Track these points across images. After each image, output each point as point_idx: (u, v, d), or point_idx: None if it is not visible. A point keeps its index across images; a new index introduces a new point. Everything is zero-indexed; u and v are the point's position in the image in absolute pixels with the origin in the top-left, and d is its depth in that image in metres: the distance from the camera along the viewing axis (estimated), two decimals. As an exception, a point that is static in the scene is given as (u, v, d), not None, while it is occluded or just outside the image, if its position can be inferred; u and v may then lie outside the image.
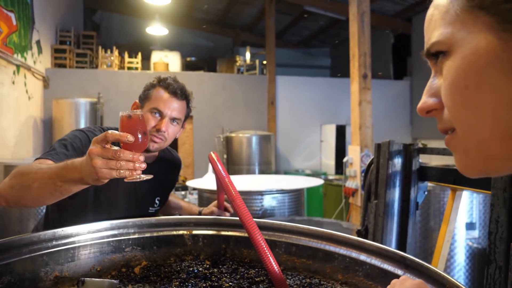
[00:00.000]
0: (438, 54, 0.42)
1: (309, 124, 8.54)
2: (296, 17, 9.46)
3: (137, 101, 1.45)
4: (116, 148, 0.85)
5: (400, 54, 9.23)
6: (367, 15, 4.51)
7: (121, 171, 0.86)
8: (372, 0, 7.45)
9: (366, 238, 1.22)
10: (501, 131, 0.38)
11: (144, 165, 0.90)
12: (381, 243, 1.11)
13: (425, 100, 0.45)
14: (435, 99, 0.44)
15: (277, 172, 7.71)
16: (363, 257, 0.96)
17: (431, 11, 0.44)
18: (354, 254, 0.98)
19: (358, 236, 1.36)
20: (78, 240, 1.05)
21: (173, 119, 1.39)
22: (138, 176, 0.89)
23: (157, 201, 1.53)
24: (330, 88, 8.63)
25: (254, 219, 0.99)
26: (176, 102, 1.39)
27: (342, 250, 1.01)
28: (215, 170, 0.94)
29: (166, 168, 1.56)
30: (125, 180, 0.90)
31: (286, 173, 8.07)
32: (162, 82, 1.40)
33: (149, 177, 0.94)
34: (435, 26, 0.42)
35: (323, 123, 8.54)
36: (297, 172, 7.89)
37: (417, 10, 7.97)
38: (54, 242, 1.01)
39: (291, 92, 8.42)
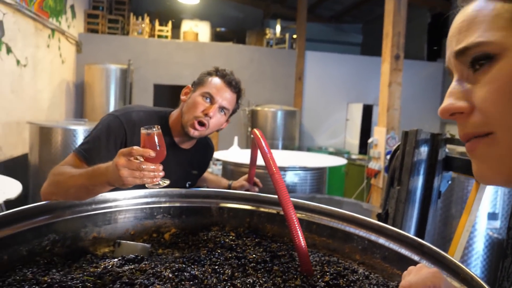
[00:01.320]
0: (481, 57, 0.43)
1: (336, 102, 8.45)
2: (330, -10, 9.20)
3: (190, 85, 1.48)
4: (139, 161, 0.98)
5: (436, 34, 8.89)
6: (405, -7, 4.36)
7: (144, 179, 0.98)
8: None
9: (386, 222, 1.26)
10: None
11: (162, 174, 1.01)
12: (401, 229, 1.14)
13: (453, 102, 0.45)
14: (465, 102, 0.44)
15: (300, 148, 7.73)
16: (381, 240, 1.00)
17: (472, 12, 0.45)
18: (373, 237, 1.02)
19: (378, 220, 1.39)
20: (115, 205, 1.13)
21: (221, 108, 1.42)
22: (157, 183, 1.02)
23: (187, 185, 1.57)
24: (360, 66, 8.46)
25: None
26: (228, 92, 1.42)
27: (362, 232, 1.05)
28: (259, 146, 0.98)
29: (200, 153, 1.60)
30: (146, 186, 1.02)
31: (309, 149, 8.09)
32: (219, 72, 1.44)
33: (167, 183, 1.04)
34: (481, 28, 0.43)
35: (350, 102, 8.43)
36: (320, 150, 7.89)
37: (458, -12, 7.60)
38: (93, 206, 1.10)
39: (320, 68, 8.30)
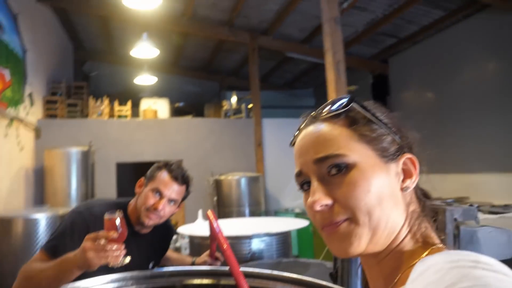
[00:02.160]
0: (338, 165, 0.60)
1: (296, 164, 8.75)
2: (279, 62, 9.94)
3: (143, 178, 1.65)
4: (103, 243, 1.13)
5: (380, 93, 9.67)
6: (342, 64, 4.86)
7: (108, 259, 1.13)
8: (348, 45, 7.96)
9: (337, 281, 1.40)
10: (391, 223, 0.59)
11: (123, 252, 1.16)
12: (348, 286, 1.29)
13: (321, 197, 0.59)
14: (329, 197, 0.59)
15: (267, 212, 7.83)
16: (327, 297, 1.14)
17: (325, 130, 0.62)
18: (320, 295, 1.16)
19: (331, 278, 1.53)
20: (84, 293, 1.21)
21: (170, 200, 1.58)
22: (120, 261, 1.17)
23: (150, 265, 1.69)
24: (315, 128, 8.93)
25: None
26: (176, 185, 1.58)
27: (311, 292, 1.19)
28: (211, 227, 1.13)
29: (160, 236, 1.74)
30: (109, 265, 1.16)
31: (276, 212, 8.20)
32: (168, 167, 1.60)
33: (128, 260, 1.19)
34: (335, 144, 0.60)
35: (310, 162, 8.77)
36: (286, 212, 8.02)
37: (392, 52, 8.47)
38: (64, 297, 1.17)
39: (278, 134, 8.70)
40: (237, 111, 9.07)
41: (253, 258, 3.23)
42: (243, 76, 10.88)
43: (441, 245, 0.59)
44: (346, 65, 4.93)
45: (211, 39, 8.84)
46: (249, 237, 3.25)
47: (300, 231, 7.00)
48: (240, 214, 6.99)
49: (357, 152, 0.60)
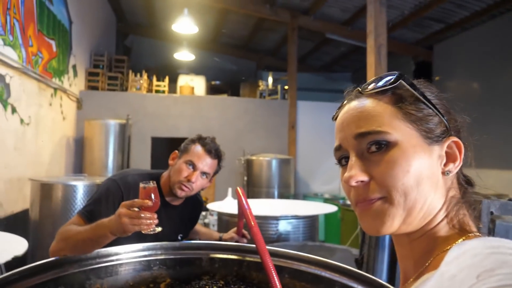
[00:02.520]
0: (378, 142, 0.58)
1: (329, 148, 8.50)
2: (318, 43, 9.73)
3: (177, 151, 1.68)
4: (138, 210, 1.18)
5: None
6: (384, 48, 4.69)
7: (141, 226, 1.18)
8: (392, 28, 7.66)
9: (361, 267, 1.39)
10: (428, 205, 0.58)
11: (156, 221, 1.20)
12: (373, 272, 1.28)
13: (357, 173, 0.59)
14: (365, 174, 0.59)
15: (296, 195, 7.84)
16: (351, 283, 1.13)
17: (368, 106, 0.61)
18: (344, 280, 1.15)
19: (356, 264, 1.52)
20: (116, 259, 1.27)
21: (203, 173, 1.62)
22: (152, 229, 1.21)
23: (179, 238, 1.74)
24: (350, 113, 8.76)
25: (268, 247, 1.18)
26: (209, 159, 1.61)
27: (335, 277, 1.19)
28: (240, 204, 1.14)
29: (190, 209, 1.78)
30: (143, 232, 1.21)
31: (305, 196, 8.19)
32: (201, 140, 1.64)
33: (159, 229, 1.23)
34: (378, 120, 0.59)
35: (343, 148, 8.65)
36: (315, 196, 8.00)
37: (438, 38, 8.09)
38: (97, 260, 1.23)
39: (312, 117, 8.61)
40: (273, 91, 9.02)
41: (279, 239, 3.26)
42: (281, 56, 10.75)
43: (478, 234, 0.57)
44: (388, 50, 4.77)
45: (251, 17, 8.76)
46: (276, 218, 3.27)
47: (328, 217, 6.97)
48: (269, 196, 7.04)
49: (400, 130, 0.58)
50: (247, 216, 1.10)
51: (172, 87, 9.07)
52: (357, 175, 0.58)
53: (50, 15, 5.64)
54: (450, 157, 0.59)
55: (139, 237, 1.59)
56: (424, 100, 0.59)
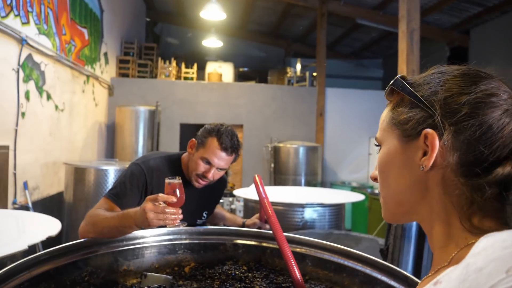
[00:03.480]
0: (376, 144, 0.67)
1: (357, 137, 8.54)
2: (348, 29, 9.51)
3: (194, 139, 1.69)
4: (163, 205, 1.19)
5: (456, 67, 8.96)
6: (417, 33, 4.53)
7: (166, 221, 1.19)
8: (426, 12, 7.38)
9: (386, 257, 1.37)
10: (397, 200, 0.62)
11: (181, 217, 1.22)
12: (398, 264, 1.26)
13: (374, 171, 0.67)
14: (375, 172, 0.67)
15: (323, 183, 7.79)
16: (375, 274, 1.12)
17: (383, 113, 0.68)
18: (367, 270, 1.14)
19: (381, 255, 1.50)
20: (142, 242, 1.30)
21: (219, 169, 1.64)
22: (177, 224, 1.22)
23: (204, 215, 1.78)
24: (380, 100, 8.55)
25: (287, 234, 1.19)
26: (225, 155, 1.61)
27: (359, 266, 1.17)
28: (258, 193, 1.14)
29: (213, 188, 1.80)
30: (167, 227, 1.23)
31: (332, 184, 8.13)
32: (218, 135, 1.61)
33: (185, 225, 1.24)
34: (379, 127, 0.66)
35: (372, 136, 8.49)
36: (343, 184, 7.92)
37: (475, 22, 7.73)
38: (124, 242, 1.27)
39: (340, 104, 8.48)
40: (301, 78, 8.92)
41: (305, 227, 3.26)
42: (310, 43, 10.59)
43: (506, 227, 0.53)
44: (421, 35, 4.60)
45: (280, 3, 8.64)
46: (302, 206, 3.27)
47: (355, 206, 6.90)
48: (296, 183, 7.03)
49: (385, 132, 0.63)
50: (264, 204, 1.10)
51: (201, 74, 9.13)
52: (373, 172, 0.67)
53: (82, 4, 5.76)
54: (425, 151, 0.57)
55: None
56: (412, 99, 0.59)
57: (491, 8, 7.02)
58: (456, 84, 0.56)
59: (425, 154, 0.56)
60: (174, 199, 1.19)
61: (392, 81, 0.62)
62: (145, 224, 1.18)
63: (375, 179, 0.66)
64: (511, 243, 0.45)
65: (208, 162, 1.61)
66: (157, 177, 1.60)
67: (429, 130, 0.55)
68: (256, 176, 1.20)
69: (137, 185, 1.55)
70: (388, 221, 0.66)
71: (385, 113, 0.64)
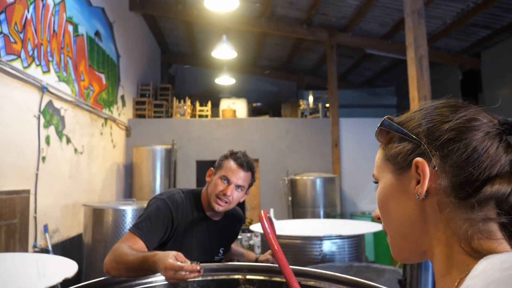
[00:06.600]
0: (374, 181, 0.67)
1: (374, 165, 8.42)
2: (358, 59, 9.64)
3: (212, 168, 1.75)
4: (183, 274, 1.21)
5: (470, 91, 8.89)
6: (425, 59, 4.56)
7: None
8: (434, 39, 7.44)
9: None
10: (401, 233, 0.61)
11: (198, 275, 1.24)
12: (416, 293, 1.21)
13: (376, 210, 0.66)
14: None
15: (342, 214, 7.65)
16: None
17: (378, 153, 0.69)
18: (383, 302, 1.10)
19: (400, 286, 1.45)
20: (155, 280, 1.30)
21: (238, 186, 1.68)
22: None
23: (221, 251, 1.78)
24: (396, 128, 8.51)
25: (301, 267, 1.17)
26: (242, 172, 1.68)
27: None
28: (262, 227, 1.14)
29: (230, 223, 1.83)
30: None
31: (352, 215, 7.97)
32: (233, 155, 1.72)
33: (200, 274, 1.26)
34: (375, 166, 0.67)
35: (390, 164, 8.38)
36: (363, 215, 7.75)
37: (485, 45, 7.74)
38: (137, 281, 1.27)
39: (355, 134, 8.45)
40: (314, 110, 8.99)
41: (324, 260, 3.18)
42: (321, 75, 10.74)
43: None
44: (432, 61, 4.63)
45: (289, 38, 8.87)
46: (320, 239, 3.20)
47: (377, 236, 6.72)
48: (315, 215, 6.92)
49: (380, 168, 0.65)
50: (269, 240, 1.09)
51: (215, 111, 9.30)
52: (376, 212, 0.66)
53: (99, 51, 6.03)
54: (418, 180, 0.58)
55: (195, 242, 1.66)
56: (399, 135, 0.62)
57: (499, 30, 7.05)
58: (437, 115, 0.60)
59: (418, 182, 0.57)
60: (195, 275, 1.21)
61: (379, 123, 0.65)
62: (162, 274, 1.22)
63: (378, 218, 0.66)
64: (510, 265, 0.44)
65: (227, 180, 1.66)
66: (181, 211, 1.64)
67: (418, 159, 0.57)
68: (262, 211, 1.20)
69: (163, 220, 1.58)
70: (398, 260, 0.64)
71: (379, 152, 0.67)
